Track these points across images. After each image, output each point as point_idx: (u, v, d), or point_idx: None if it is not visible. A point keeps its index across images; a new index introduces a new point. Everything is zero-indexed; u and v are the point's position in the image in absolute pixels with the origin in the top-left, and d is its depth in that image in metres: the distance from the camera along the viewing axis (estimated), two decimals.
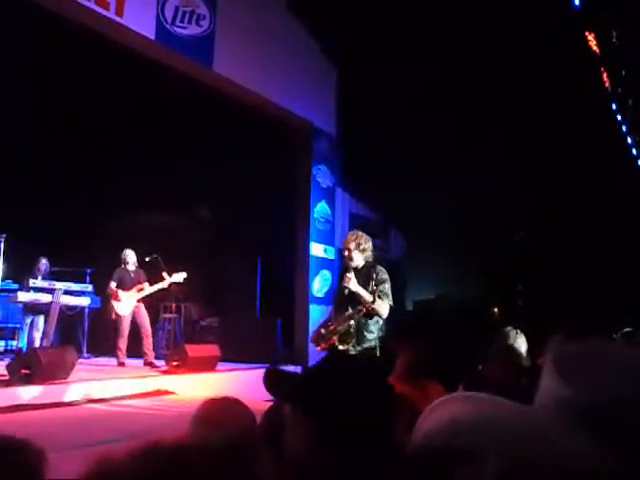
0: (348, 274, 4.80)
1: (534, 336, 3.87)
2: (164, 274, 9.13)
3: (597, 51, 11.03)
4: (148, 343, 9.11)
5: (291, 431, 1.41)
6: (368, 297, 4.65)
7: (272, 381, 1.62)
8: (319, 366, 1.43)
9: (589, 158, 11.52)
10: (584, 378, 0.73)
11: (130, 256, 9.31)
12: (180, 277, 9.17)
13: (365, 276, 4.84)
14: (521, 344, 3.93)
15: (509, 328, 4.04)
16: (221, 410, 1.59)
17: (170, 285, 9.22)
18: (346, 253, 5.02)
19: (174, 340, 10.35)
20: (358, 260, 4.96)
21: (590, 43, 10.84)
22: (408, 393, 1.50)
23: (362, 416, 1.30)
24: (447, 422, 0.77)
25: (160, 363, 8.88)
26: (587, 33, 10.74)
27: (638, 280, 11.11)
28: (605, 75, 11.80)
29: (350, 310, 4.69)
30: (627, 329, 4.85)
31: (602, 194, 11.64)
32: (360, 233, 5.12)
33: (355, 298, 4.74)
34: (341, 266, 4.97)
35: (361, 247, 4.97)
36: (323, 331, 4.81)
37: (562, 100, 10.90)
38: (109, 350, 9.63)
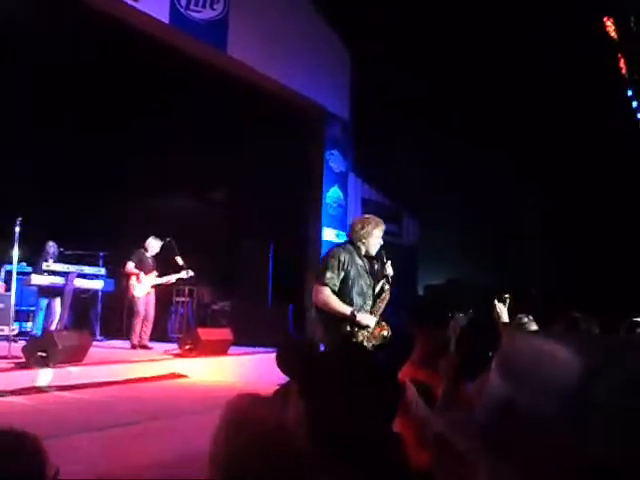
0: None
1: (547, 323, 3.86)
2: (177, 258, 9.15)
3: (615, 36, 10.90)
4: (147, 328, 9.20)
5: (293, 412, 1.39)
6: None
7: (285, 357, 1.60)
8: (333, 352, 1.43)
9: (604, 144, 11.40)
10: (522, 379, 0.70)
11: (153, 245, 9.26)
12: (186, 274, 9.22)
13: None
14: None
15: (521, 316, 4.02)
16: (249, 409, 1.55)
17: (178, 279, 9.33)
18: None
19: (187, 324, 10.41)
20: None
21: (608, 28, 10.72)
22: (424, 379, 1.50)
23: (357, 406, 1.29)
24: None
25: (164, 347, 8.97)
26: (605, 18, 10.62)
27: None
28: (622, 61, 11.66)
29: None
30: (637, 318, 4.60)
31: (616, 181, 11.53)
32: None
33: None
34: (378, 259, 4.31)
35: None
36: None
37: (578, 85, 10.79)
38: (122, 333, 9.72)
